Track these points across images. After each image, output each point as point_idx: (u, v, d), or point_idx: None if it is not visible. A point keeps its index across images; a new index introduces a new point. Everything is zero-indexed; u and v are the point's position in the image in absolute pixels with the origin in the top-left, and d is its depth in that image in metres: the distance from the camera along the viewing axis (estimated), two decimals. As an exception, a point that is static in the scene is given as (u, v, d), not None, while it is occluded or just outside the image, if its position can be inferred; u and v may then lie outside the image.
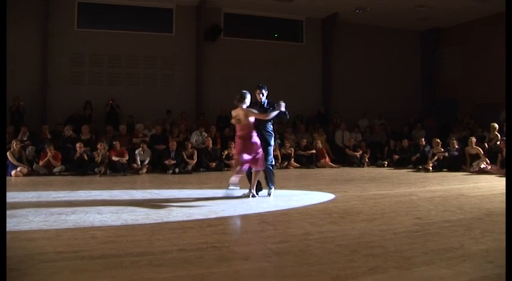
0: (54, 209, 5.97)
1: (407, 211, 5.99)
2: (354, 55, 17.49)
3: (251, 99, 7.32)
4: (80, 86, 14.61)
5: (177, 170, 11.84)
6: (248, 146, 6.98)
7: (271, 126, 7.48)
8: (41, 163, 11.41)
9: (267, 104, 7.40)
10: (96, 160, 11.47)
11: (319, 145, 14.22)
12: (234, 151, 7.61)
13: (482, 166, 11.71)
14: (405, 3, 14.85)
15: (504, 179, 9.81)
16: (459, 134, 14.60)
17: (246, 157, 6.93)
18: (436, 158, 12.63)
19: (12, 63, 12.46)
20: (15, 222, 5.08)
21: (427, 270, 3.48)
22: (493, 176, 10.72)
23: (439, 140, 13.10)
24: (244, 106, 7.15)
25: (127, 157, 11.80)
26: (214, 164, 12.59)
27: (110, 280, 3.27)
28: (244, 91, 7.27)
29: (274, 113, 7.16)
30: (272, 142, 7.43)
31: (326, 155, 14.24)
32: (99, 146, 11.69)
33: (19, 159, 11.21)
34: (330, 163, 13.97)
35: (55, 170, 11.35)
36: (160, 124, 13.84)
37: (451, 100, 17.50)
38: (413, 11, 15.54)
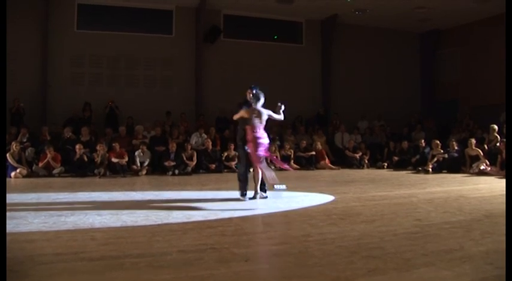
0: (54, 211, 5.96)
1: (407, 212, 5.98)
2: (353, 57, 17.50)
3: (244, 98, 7.51)
4: (79, 88, 14.63)
5: (176, 171, 11.84)
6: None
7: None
8: (40, 164, 11.41)
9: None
10: (95, 161, 11.48)
11: (319, 146, 14.22)
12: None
13: (482, 167, 11.72)
14: (405, 4, 14.87)
15: (504, 180, 9.80)
16: (459, 135, 14.61)
17: (261, 152, 6.85)
18: (435, 159, 12.63)
19: (12, 64, 12.46)
20: (14, 223, 5.07)
21: (427, 272, 3.48)
22: (492, 178, 10.72)
23: (438, 142, 13.11)
24: (259, 106, 7.12)
25: (126, 159, 11.81)
26: (213, 165, 12.60)
27: (110, 282, 3.27)
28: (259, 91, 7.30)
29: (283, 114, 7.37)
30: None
31: (326, 156, 14.25)
32: (98, 147, 11.69)
33: (19, 160, 11.22)
34: (329, 165, 13.98)
35: (55, 171, 11.36)
36: (160, 126, 13.84)
37: (450, 101, 17.51)
38: (412, 12, 15.56)
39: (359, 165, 14.20)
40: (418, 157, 13.44)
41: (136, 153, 12.12)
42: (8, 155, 10.99)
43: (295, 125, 15.68)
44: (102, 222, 5.28)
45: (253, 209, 6.30)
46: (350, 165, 14.22)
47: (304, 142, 14.34)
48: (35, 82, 14.03)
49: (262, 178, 7.06)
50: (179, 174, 11.79)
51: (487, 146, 12.71)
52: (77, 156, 11.48)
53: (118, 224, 5.21)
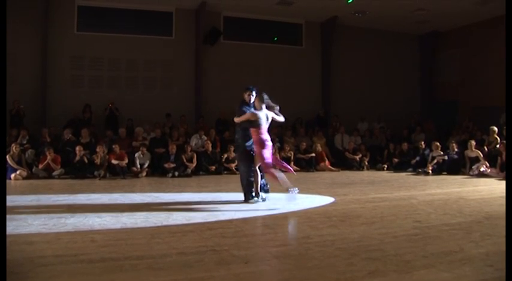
0: (54, 213, 5.97)
1: (406, 214, 5.99)
2: (353, 58, 17.50)
3: (243, 99, 7.67)
4: (79, 89, 14.61)
5: (176, 173, 11.84)
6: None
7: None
8: (40, 166, 11.40)
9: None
10: (95, 163, 11.48)
11: (319, 148, 14.22)
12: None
13: (482, 169, 11.72)
14: (404, 6, 14.87)
15: (504, 182, 9.81)
16: (458, 137, 14.60)
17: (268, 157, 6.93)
18: (435, 161, 12.63)
19: (12, 66, 12.45)
20: (14, 225, 5.07)
21: (427, 273, 3.48)
22: (492, 180, 10.73)
23: (438, 144, 13.11)
24: (264, 107, 7.23)
25: (126, 160, 11.79)
26: (213, 167, 12.59)
27: (109, 284, 3.27)
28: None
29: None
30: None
31: (325, 158, 14.24)
32: (98, 149, 11.69)
33: (19, 162, 11.21)
34: (329, 166, 13.97)
35: (54, 173, 11.35)
36: (160, 127, 13.85)
37: (450, 103, 17.50)
38: (412, 14, 15.56)
39: (359, 167, 14.19)
40: (418, 158, 13.42)
41: (136, 155, 12.12)
42: (8, 156, 10.99)
43: (295, 126, 15.68)
44: (102, 224, 5.29)
45: (253, 212, 6.30)
46: (350, 167, 14.21)
47: (304, 143, 14.33)
48: (35, 84, 14.02)
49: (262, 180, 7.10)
50: (179, 176, 11.78)
51: (487, 147, 12.71)
52: (77, 158, 11.46)
53: (118, 226, 5.21)
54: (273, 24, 16.85)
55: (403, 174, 12.58)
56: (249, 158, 7.20)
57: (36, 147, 12.16)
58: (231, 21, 16.34)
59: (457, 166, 12.49)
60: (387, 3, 14.63)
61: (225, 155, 12.97)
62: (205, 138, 13.39)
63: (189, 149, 12.54)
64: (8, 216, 5.12)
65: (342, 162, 14.59)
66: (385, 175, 12.55)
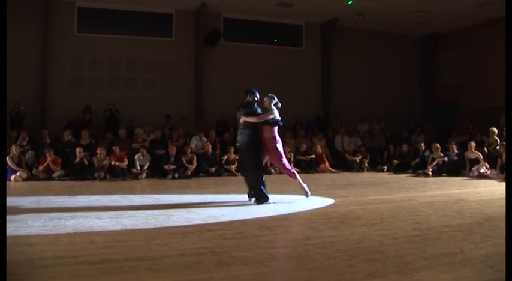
0: (54, 214, 5.96)
1: (406, 215, 5.99)
2: (353, 60, 17.52)
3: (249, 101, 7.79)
4: (79, 91, 14.63)
5: (176, 175, 11.83)
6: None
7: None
8: (40, 167, 11.40)
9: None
10: (95, 164, 11.48)
11: (319, 149, 14.21)
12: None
13: (482, 170, 11.72)
14: (404, 8, 14.89)
15: (504, 183, 9.80)
16: (458, 138, 14.60)
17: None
18: (435, 162, 12.63)
19: (12, 67, 12.42)
20: (14, 227, 5.07)
21: (427, 275, 3.48)
22: (492, 181, 10.73)
23: (438, 145, 13.11)
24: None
25: (126, 162, 11.80)
26: (213, 169, 12.59)
27: (109, 285, 3.27)
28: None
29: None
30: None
31: (325, 160, 14.24)
32: (98, 150, 11.70)
33: (18, 164, 11.21)
34: (329, 168, 13.97)
35: (54, 175, 11.34)
36: (160, 129, 13.85)
37: (450, 105, 17.52)
38: (412, 15, 15.58)
39: (359, 168, 14.19)
40: (418, 160, 13.42)
41: (136, 156, 12.12)
42: (8, 158, 10.99)
43: (295, 128, 15.68)
44: (102, 225, 5.28)
45: (253, 213, 6.30)
46: (350, 168, 14.21)
47: (304, 145, 14.33)
48: (35, 85, 14.03)
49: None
50: (179, 177, 11.77)
51: (487, 149, 12.71)
52: (77, 159, 11.46)
53: (118, 227, 5.21)
54: (273, 25, 16.86)
55: (403, 175, 12.58)
56: (258, 158, 7.30)
57: (36, 148, 12.16)
58: (231, 23, 16.37)
59: (457, 168, 12.49)
60: (387, 4, 14.65)
61: (225, 157, 12.97)
62: (205, 139, 13.39)
63: (189, 150, 12.54)
64: (7, 217, 5.11)
65: (342, 163, 14.59)
66: (385, 176, 12.55)
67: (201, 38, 15.66)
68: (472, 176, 11.80)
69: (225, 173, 12.70)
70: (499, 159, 11.58)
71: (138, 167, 11.98)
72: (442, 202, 7.26)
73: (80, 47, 14.62)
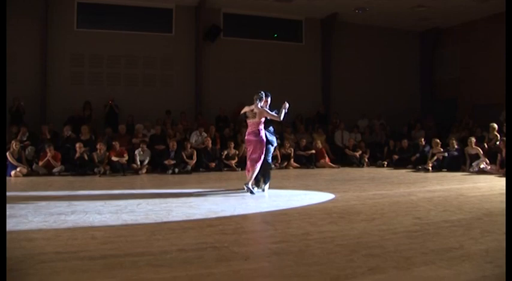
0: (54, 210, 5.97)
1: (406, 211, 5.99)
2: (353, 55, 17.49)
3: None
4: (79, 86, 14.62)
5: (176, 170, 11.84)
6: (256, 144, 7.62)
7: (273, 127, 8.12)
8: (40, 163, 11.40)
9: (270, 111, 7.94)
10: (95, 160, 11.48)
11: (319, 145, 14.21)
12: (246, 153, 8.17)
13: (482, 166, 11.72)
14: (404, 3, 14.85)
15: (504, 179, 9.81)
16: (458, 134, 14.60)
17: (254, 158, 7.64)
18: (435, 158, 12.63)
19: (11, 63, 12.44)
20: (14, 222, 5.07)
21: (427, 270, 3.48)
22: (492, 176, 10.72)
23: (438, 140, 13.11)
24: (259, 105, 7.68)
25: (126, 157, 11.80)
26: (213, 164, 12.59)
27: None
28: (264, 92, 7.86)
29: (283, 113, 7.75)
30: (275, 142, 8.11)
31: (325, 155, 14.24)
32: (98, 146, 11.69)
33: (18, 159, 11.21)
34: (329, 163, 13.97)
35: (55, 170, 11.35)
36: (160, 124, 13.84)
37: (450, 100, 17.51)
38: (412, 11, 15.54)
39: (359, 163, 14.19)
40: (418, 155, 13.42)
41: (136, 152, 12.11)
42: (8, 153, 10.98)
43: (295, 123, 15.68)
44: (102, 221, 5.29)
45: (253, 208, 6.30)
46: (350, 163, 14.21)
47: (304, 140, 14.33)
48: (35, 81, 14.01)
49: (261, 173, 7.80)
50: (179, 173, 11.78)
51: (487, 144, 12.71)
52: (77, 155, 11.46)
53: (118, 223, 5.21)
54: (273, 20, 16.83)
55: (403, 171, 12.58)
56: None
57: (36, 144, 12.16)
58: (231, 18, 16.32)
59: (457, 163, 12.48)
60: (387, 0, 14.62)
61: (225, 152, 12.97)
62: (205, 135, 13.39)
63: (189, 146, 12.55)
64: (8, 213, 5.12)
65: (342, 159, 14.60)
66: (385, 171, 12.55)
67: (201, 33, 15.63)
68: (472, 172, 11.80)
69: (225, 168, 12.71)
70: (499, 154, 11.58)
71: (138, 163, 11.98)
72: (442, 197, 7.26)
73: (79, 43, 14.59)
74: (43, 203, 6.69)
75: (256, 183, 7.85)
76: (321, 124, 15.97)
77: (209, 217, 5.61)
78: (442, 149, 12.84)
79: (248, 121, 7.81)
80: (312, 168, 13.53)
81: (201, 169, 12.44)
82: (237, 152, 13.11)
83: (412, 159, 13.45)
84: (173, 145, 12.34)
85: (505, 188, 6.43)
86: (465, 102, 16.83)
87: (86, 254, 3.85)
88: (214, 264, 3.64)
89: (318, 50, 17.39)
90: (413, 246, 4.13)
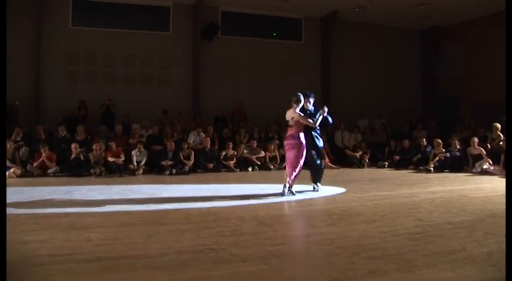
0: (48, 211, 5.95)
1: (408, 212, 5.98)
2: (353, 54, 17.48)
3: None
4: (75, 86, 14.58)
5: (174, 171, 11.83)
6: (294, 148, 7.56)
7: (319, 129, 8.35)
8: (35, 164, 11.38)
9: (314, 111, 8.23)
10: (91, 161, 11.46)
11: (319, 145, 14.17)
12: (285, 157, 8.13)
13: (485, 166, 11.71)
14: (405, 1, 14.87)
15: (507, 180, 9.81)
16: (461, 134, 14.59)
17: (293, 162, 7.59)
18: (437, 158, 12.63)
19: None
20: (8, 225, 5.05)
21: (429, 273, 3.47)
22: (495, 177, 10.72)
23: (440, 141, 13.10)
24: (297, 110, 7.62)
25: (123, 158, 11.78)
26: (211, 165, 12.57)
27: (105, 284, 3.26)
28: (300, 93, 7.83)
29: (319, 119, 8.07)
30: (321, 144, 8.29)
31: (325, 155, 14.19)
32: (94, 146, 11.68)
33: (12, 160, 11.19)
34: (329, 164, 13.92)
35: (49, 171, 11.32)
36: (158, 124, 13.82)
37: (452, 99, 17.50)
38: (413, 9, 15.55)
39: (359, 164, 14.18)
40: (419, 156, 13.43)
41: (133, 152, 12.09)
42: (1, 154, 10.96)
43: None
44: (98, 223, 5.27)
45: (252, 210, 6.29)
46: (350, 164, 14.20)
47: (304, 140, 14.29)
48: (29, 80, 13.97)
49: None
50: (176, 173, 11.77)
51: (490, 145, 12.71)
52: (73, 155, 11.44)
53: (114, 224, 5.19)
54: (272, 19, 16.81)
55: (405, 171, 12.58)
56: None
57: (30, 144, 12.12)
58: (229, 16, 16.31)
59: (460, 164, 12.48)
60: (388, -3, 14.64)
61: (223, 153, 12.96)
62: (203, 135, 13.37)
63: (187, 146, 12.53)
64: (1, 215, 5.10)
65: (342, 159, 14.58)
66: (386, 172, 12.55)
67: (199, 31, 15.61)
68: (474, 172, 11.79)
69: (223, 169, 12.70)
70: (502, 155, 11.58)
71: (135, 163, 11.96)
72: (444, 198, 7.25)
73: (75, 41, 14.57)
74: (37, 204, 6.67)
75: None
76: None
77: (207, 218, 5.60)
78: (444, 150, 12.84)
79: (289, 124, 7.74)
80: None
81: (198, 170, 12.43)
82: (236, 153, 13.10)
83: (414, 159, 13.45)
84: (171, 145, 12.33)
85: (505, 189, 6.41)
86: (467, 101, 16.83)
87: (81, 257, 3.84)
88: (212, 266, 3.63)
89: (317, 49, 17.39)
90: (415, 248, 4.12)
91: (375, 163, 14.41)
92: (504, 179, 10.07)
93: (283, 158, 13.48)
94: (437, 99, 18.28)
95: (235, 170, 12.66)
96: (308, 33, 17.36)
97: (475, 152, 12.27)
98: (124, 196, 7.69)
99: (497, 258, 3.77)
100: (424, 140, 13.86)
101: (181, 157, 12.18)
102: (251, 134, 14.37)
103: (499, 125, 12.88)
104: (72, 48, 14.61)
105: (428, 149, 13.37)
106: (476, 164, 11.99)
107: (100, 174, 11.29)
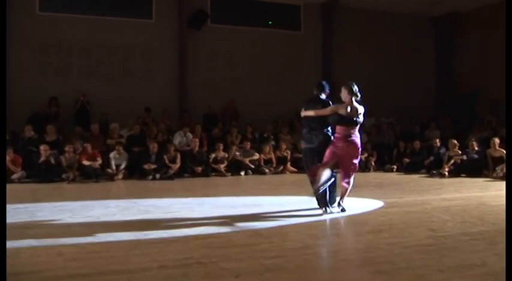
0: (13, 223, 5.90)
1: (419, 222, 5.99)
2: (358, 45, 17.54)
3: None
4: (44, 79, 14.53)
5: (157, 175, 11.82)
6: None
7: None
8: (-3, 168, 11.32)
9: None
10: (63, 164, 11.43)
11: (320, 146, 14.20)
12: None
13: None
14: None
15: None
16: (479, 134, 14.64)
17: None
18: (452, 161, 12.66)
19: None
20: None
21: (443, 290, 3.48)
22: (518, 182, 10.76)
23: (456, 142, 13.13)
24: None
25: (100, 161, 11.76)
26: (200, 169, 12.57)
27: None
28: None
29: None
30: None
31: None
32: (67, 148, 11.64)
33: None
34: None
35: (14, 177, 11.25)
36: (139, 123, 13.79)
37: (469, 96, 17.56)
38: (425, -7, 15.63)
39: (364, 168, 14.20)
40: (432, 158, 13.47)
41: (111, 155, 12.08)
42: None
43: (292, 122, 15.64)
44: (71, 235, 5.25)
45: (245, 219, 6.28)
46: (355, 168, 14.22)
47: (303, 141, 14.33)
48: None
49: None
50: (160, 178, 11.76)
51: (512, 146, 12.75)
52: (42, 158, 11.40)
53: (89, 236, 5.17)
54: (268, 5, 16.85)
55: (415, 176, 12.62)
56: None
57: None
58: (219, 2, 16.34)
59: (478, 167, 12.50)
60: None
61: (213, 155, 12.96)
62: (191, 136, 13.36)
63: (172, 148, 12.52)
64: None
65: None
66: (395, 177, 12.59)
67: (185, 19, 15.61)
68: (495, 177, 11.80)
69: (213, 174, 12.71)
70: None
71: (114, 167, 11.94)
72: (460, 206, 7.28)
73: (43, 29, 14.53)
74: None
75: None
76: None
77: (195, 228, 5.59)
78: (460, 152, 12.87)
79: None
80: (312, 173, 13.51)
81: (185, 175, 12.43)
82: (227, 155, 13.09)
83: (426, 163, 13.49)
84: (154, 146, 12.32)
85: (505, 193, 6.43)
86: (487, 97, 16.89)
87: (50, 274, 3.81)
88: (200, 283, 3.62)
89: (318, 39, 17.44)
90: (428, 262, 4.12)
91: (381, 166, 14.46)
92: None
93: (279, 161, 13.55)
94: (453, 95, 18.34)
95: (226, 174, 12.66)
96: (308, 22, 17.40)
97: (496, 154, 12.28)
98: (101, 204, 7.66)
99: (520, 273, 3.77)
100: (438, 140, 13.91)
101: (166, 160, 12.17)
102: (244, 134, 14.37)
103: (522, 124, 12.91)
104: (41, 37, 14.55)
105: (442, 151, 13.42)
106: (497, 168, 12.01)
107: (74, 179, 11.26)
